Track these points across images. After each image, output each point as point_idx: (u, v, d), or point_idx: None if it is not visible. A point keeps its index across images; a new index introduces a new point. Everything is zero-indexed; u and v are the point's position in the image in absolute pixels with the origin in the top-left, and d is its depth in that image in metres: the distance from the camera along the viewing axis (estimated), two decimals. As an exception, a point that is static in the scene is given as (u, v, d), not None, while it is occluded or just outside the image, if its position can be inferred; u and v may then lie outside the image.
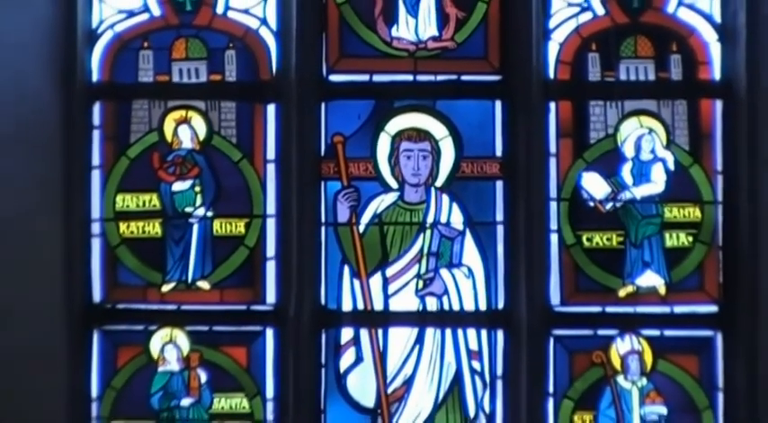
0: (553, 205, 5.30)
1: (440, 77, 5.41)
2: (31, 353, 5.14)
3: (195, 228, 5.39)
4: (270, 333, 5.32)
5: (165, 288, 5.38)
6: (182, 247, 5.41)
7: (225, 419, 5.33)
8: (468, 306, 5.37)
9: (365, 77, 5.43)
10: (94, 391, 5.34)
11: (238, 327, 5.37)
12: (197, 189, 5.40)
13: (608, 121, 5.34)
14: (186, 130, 5.39)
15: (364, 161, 5.39)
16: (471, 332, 5.34)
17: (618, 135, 5.29)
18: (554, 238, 5.29)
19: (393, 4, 5.44)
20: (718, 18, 5.31)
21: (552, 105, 5.33)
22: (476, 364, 5.33)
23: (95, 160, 5.40)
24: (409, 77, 5.41)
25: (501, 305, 5.32)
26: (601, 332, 5.27)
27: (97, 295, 5.40)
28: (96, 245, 5.40)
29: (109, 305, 5.41)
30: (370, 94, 5.45)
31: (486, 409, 5.30)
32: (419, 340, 5.36)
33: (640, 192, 5.29)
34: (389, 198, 5.39)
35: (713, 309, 5.24)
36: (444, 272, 5.37)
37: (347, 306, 5.39)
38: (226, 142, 5.39)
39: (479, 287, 5.37)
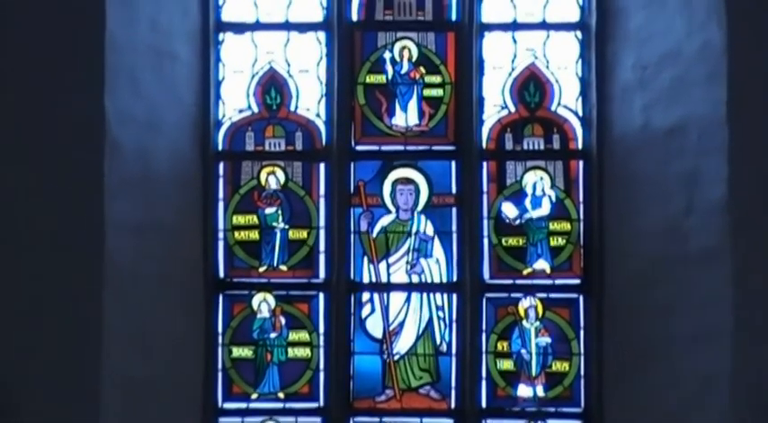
0: (485, 222, 6.37)
1: (420, 147, 6.45)
2: (186, 309, 6.14)
3: (278, 235, 6.42)
4: (321, 295, 6.37)
5: (261, 269, 6.40)
6: (270, 246, 6.42)
7: (296, 345, 6.33)
8: (437, 279, 6.39)
9: (376, 147, 6.48)
10: (220, 329, 6.38)
11: (303, 292, 6.39)
12: (279, 212, 6.43)
13: (517, 173, 6.42)
14: (273, 178, 6.45)
15: (376, 196, 6.43)
16: (438, 295, 6.41)
17: (523, 181, 6.40)
18: (485, 240, 6.36)
19: (392, 105, 6.49)
20: (580, 113, 6.42)
21: (485, 164, 6.39)
22: (441, 314, 6.39)
23: (220, 195, 6.43)
24: (402, 147, 6.47)
25: (455, 279, 6.36)
26: (513, 295, 6.34)
27: (222, 273, 6.41)
28: (221, 244, 6.43)
29: (228, 279, 6.41)
30: (379, 157, 6.44)
31: (446, 339, 6.38)
32: (408, 299, 6.42)
33: (536, 214, 6.37)
34: (390, 217, 6.47)
35: (577, 281, 6.35)
36: (422, 260, 6.44)
37: (366, 279, 6.40)
38: (296, 185, 6.44)
39: (442, 269, 6.41)
